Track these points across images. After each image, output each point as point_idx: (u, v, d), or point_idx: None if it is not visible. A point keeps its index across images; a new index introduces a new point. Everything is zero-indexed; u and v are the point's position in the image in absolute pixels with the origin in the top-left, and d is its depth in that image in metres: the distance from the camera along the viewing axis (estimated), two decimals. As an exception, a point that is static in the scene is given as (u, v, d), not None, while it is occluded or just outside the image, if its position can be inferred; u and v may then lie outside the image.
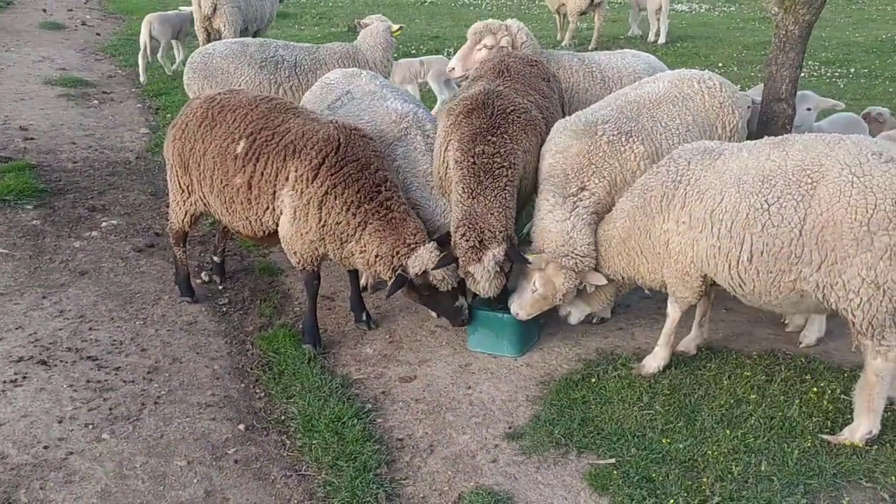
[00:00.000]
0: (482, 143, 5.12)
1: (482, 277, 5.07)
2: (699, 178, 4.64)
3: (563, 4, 15.81)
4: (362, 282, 6.06)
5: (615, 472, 4.15)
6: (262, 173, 5.23)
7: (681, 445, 4.35)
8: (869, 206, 4.05)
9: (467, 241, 5.01)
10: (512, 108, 5.34)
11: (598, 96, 6.48)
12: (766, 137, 4.73)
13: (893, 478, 4.10)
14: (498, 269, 5.06)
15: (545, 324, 5.62)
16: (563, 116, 5.75)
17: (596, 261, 5.10)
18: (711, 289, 4.90)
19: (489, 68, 5.99)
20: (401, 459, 4.40)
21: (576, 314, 5.36)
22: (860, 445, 4.32)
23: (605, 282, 5.11)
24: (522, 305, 5.13)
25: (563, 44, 15.73)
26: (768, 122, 5.99)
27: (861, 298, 4.14)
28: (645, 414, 4.64)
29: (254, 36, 14.07)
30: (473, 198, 5.05)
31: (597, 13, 15.71)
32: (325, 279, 6.34)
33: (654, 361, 5.06)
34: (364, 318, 5.79)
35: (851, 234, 4.08)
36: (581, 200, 5.16)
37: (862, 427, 4.36)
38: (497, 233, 5.00)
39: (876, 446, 4.32)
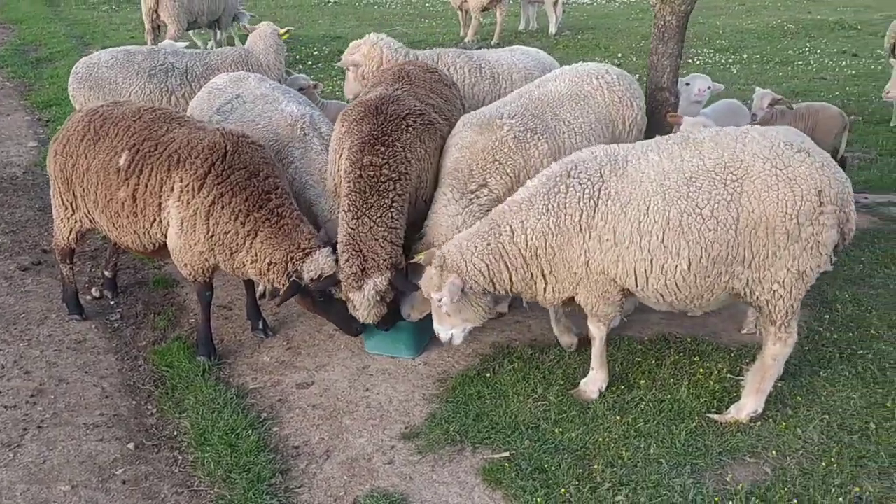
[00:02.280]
0: (370, 153, 5.00)
1: (362, 306, 4.97)
2: (618, 191, 4.36)
3: (466, 1, 15.88)
4: (259, 289, 5.97)
5: (508, 465, 4.19)
6: (147, 185, 5.10)
7: (573, 434, 4.42)
8: (797, 199, 4.14)
9: (350, 266, 4.93)
10: (406, 112, 5.25)
11: (488, 93, 6.54)
12: (663, 136, 4.65)
13: (775, 452, 4.24)
14: (378, 299, 4.97)
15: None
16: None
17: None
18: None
19: (389, 75, 5.97)
20: (296, 467, 4.35)
21: (458, 334, 4.90)
22: (745, 423, 4.46)
23: (455, 291, 4.58)
24: (414, 306, 5.12)
25: (466, 40, 15.79)
26: (653, 111, 6.11)
27: (785, 289, 4.25)
28: (539, 405, 4.70)
29: (215, 30, 13.93)
30: (358, 218, 4.94)
31: (499, 9, 15.82)
32: (222, 288, 6.26)
33: (594, 385, 4.78)
34: (261, 325, 5.71)
35: (783, 228, 4.15)
36: (478, 197, 5.16)
37: (748, 406, 4.50)
38: (381, 261, 4.92)
39: (759, 422, 4.46)
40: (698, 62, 14.28)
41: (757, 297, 4.32)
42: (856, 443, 4.29)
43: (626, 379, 4.92)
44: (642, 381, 4.86)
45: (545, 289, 4.61)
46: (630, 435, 4.39)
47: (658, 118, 6.00)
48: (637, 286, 4.40)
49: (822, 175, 4.14)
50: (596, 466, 4.15)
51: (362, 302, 4.97)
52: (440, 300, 4.67)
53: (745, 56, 14.86)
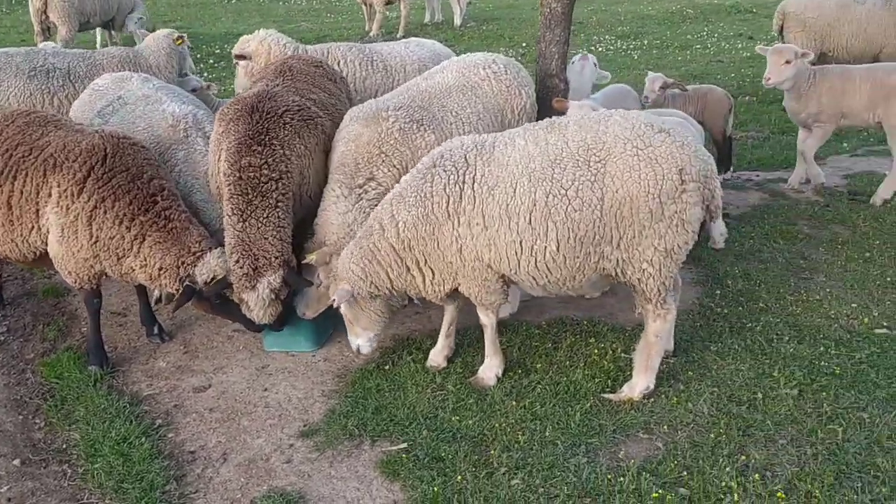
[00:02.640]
0: (248, 153, 4.89)
1: (256, 305, 4.90)
2: (484, 174, 4.41)
3: (369, -6, 15.84)
4: (155, 294, 5.82)
5: (406, 456, 4.18)
6: (22, 191, 4.91)
7: (471, 422, 4.44)
8: (658, 178, 4.21)
9: (241, 267, 4.85)
10: (284, 108, 5.15)
11: (381, 86, 6.51)
12: (531, 123, 4.73)
13: (666, 427, 4.34)
14: (273, 297, 4.91)
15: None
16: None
17: None
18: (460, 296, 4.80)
19: (272, 70, 5.86)
20: (192, 472, 4.26)
21: (363, 343, 4.90)
22: (638, 400, 4.55)
23: (343, 297, 4.64)
24: (308, 304, 5.06)
25: (371, 34, 15.73)
26: (543, 98, 6.17)
27: (654, 267, 4.32)
28: (438, 395, 4.71)
29: (111, 30, 13.47)
30: (244, 220, 4.85)
31: (402, 2, 15.81)
32: (117, 294, 6.11)
33: (491, 372, 4.82)
34: (156, 331, 5.57)
35: (647, 207, 4.22)
36: (366, 192, 5.12)
37: (640, 383, 4.59)
38: (273, 259, 4.86)
39: (652, 399, 4.56)
40: (600, 49, 14.53)
41: (629, 277, 4.39)
42: (744, 413, 4.41)
43: (524, 364, 4.96)
44: (539, 365, 4.91)
45: (425, 282, 4.61)
46: (527, 419, 4.43)
47: (549, 105, 6.06)
48: (510, 270, 4.42)
49: (682, 154, 4.23)
50: (493, 452, 4.18)
51: (257, 302, 4.90)
52: (336, 307, 4.69)
53: (645, 42, 15.18)
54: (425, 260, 4.54)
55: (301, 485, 4.11)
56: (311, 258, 4.83)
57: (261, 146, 4.93)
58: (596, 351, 4.99)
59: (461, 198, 4.40)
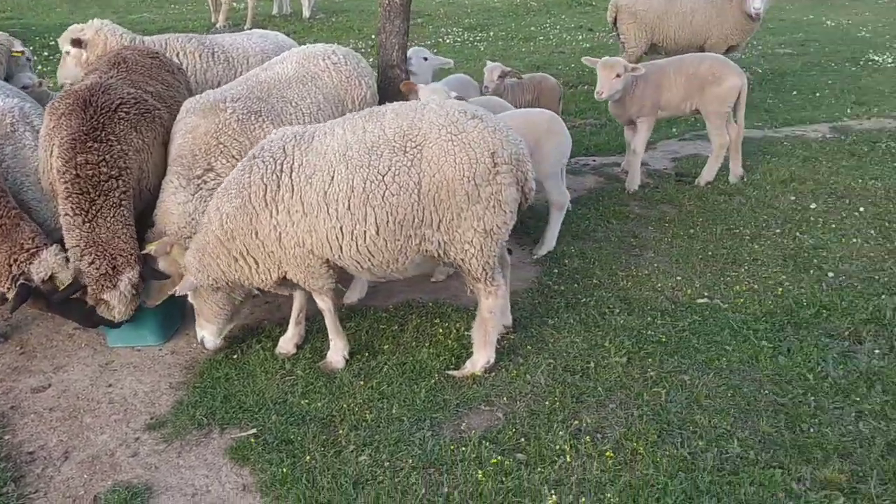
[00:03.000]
0: (83, 150, 4.79)
1: (119, 302, 4.85)
2: (302, 164, 4.52)
3: (213, -14, 15.54)
4: None
5: (255, 441, 4.24)
6: None
7: (319, 404, 4.53)
8: (472, 161, 4.40)
9: (98, 269, 4.78)
10: (119, 102, 5.05)
11: (223, 78, 6.47)
12: (353, 112, 4.84)
13: (506, 398, 4.56)
14: (134, 293, 4.88)
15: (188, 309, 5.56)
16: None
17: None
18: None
19: (105, 61, 5.73)
20: (31, 473, 4.16)
21: (208, 336, 4.97)
22: (480, 375, 4.76)
23: (186, 288, 4.77)
24: (150, 293, 5.01)
25: (218, 25, 15.47)
26: (385, 88, 6.31)
27: (475, 248, 4.51)
28: (287, 380, 4.78)
29: None
30: (92, 220, 4.77)
31: (249, -8, 15.61)
32: (-54, 297, 5.81)
33: (337, 355, 4.94)
34: None
35: (463, 190, 4.41)
36: (206, 182, 5.11)
37: (481, 359, 4.80)
38: (129, 256, 4.83)
39: (493, 373, 4.78)
40: (448, 40, 14.80)
41: (453, 258, 4.60)
42: (577, 381, 4.70)
43: (372, 346, 5.10)
44: (386, 347, 5.05)
45: (251, 272, 4.68)
46: (374, 398, 4.57)
47: (391, 94, 6.20)
48: (333, 254, 4.54)
49: (494, 138, 4.46)
50: (341, 431, 4.29)
51: (120, 300, 4.85)
52: (178, 296, 4.77)
53: (491, 33, 15.57)
54: (247, 250, 4.61)
55: (148, 477, 4.09)
56: (150, 248, 4.79)
57: (97, 142, 4.83)
58: (441, 331, 5.18)
59: (279, 187, 4.48)
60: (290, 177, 4.49)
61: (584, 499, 3.79)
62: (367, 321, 5.38)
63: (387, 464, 4.05)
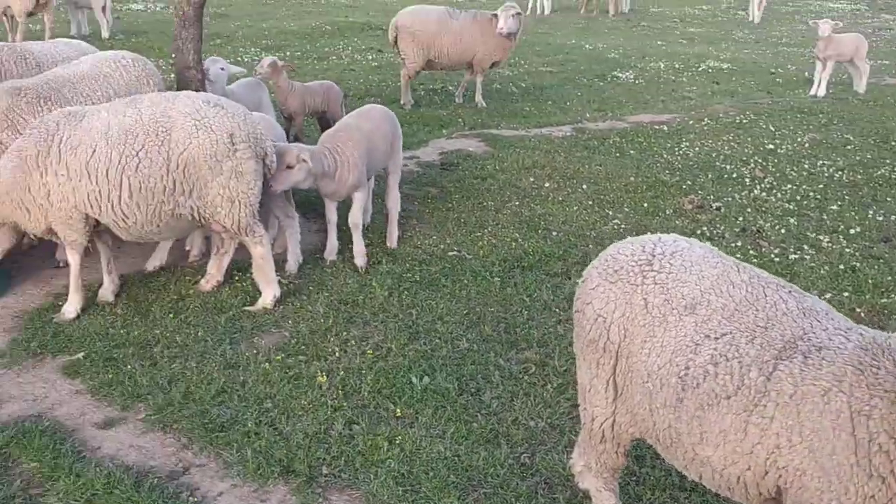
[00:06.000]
0: None
1: None
2: (70, 136, 5.50)
3: (9, 7, 15.73)
4: None
5: (84, 360, 5.23)
6: None
7: (136, 333, 5.57)
8: (212, 142, 5.57)
9: None
10: None
11: (33, 78, 7.28)
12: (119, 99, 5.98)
13: (291, 322, 5.79)
14: None
15: (14, 272, 6.40)
16: None
17: None
18: (105, 237, 5.96)
19: None
20: None
21: None
22: (270, 307, 5.95)
23: None
24: None
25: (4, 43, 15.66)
26: (184, 86, 7.38)
27: (225, 209, 5.70)
28: (108, 318, 5.78)
29: None
30: None
31: (46, 13, 15.92)
32: None
33: (71, 307, 5.79)
34: None
35: (206, 165, 5.58)
36: None
37: (268, 295, 5.99)
38: None
39: (281, 306, 5.99)
40: (246, 59, 15.79)
41: (209, 220, 5.79)
42: (349, 309, 5.98)
43: (180, 292, 6.18)
44: (191, 292, 6.17)
45: (26, 219, 5.68)
46: (182, 327, 5.66)
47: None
48: (93, 212, 5.59)
49: (233, 122, 5.68)
50: (156, 350, 5.36)
51: None
52: None
53: (287, 53, 16.70)
54: (22, 201, 5.61)
55: (-8, 392, 4.99)
56: None
57: None
58: (237, 276, 6.34)
59: (48, 153, 5.50)
60: (59, 147, 5.50)
61: (349, 378, 5.08)
62: (174, 276, 6.44)
63: (195, 367, 5.17)
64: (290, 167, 6.05)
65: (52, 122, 5.59)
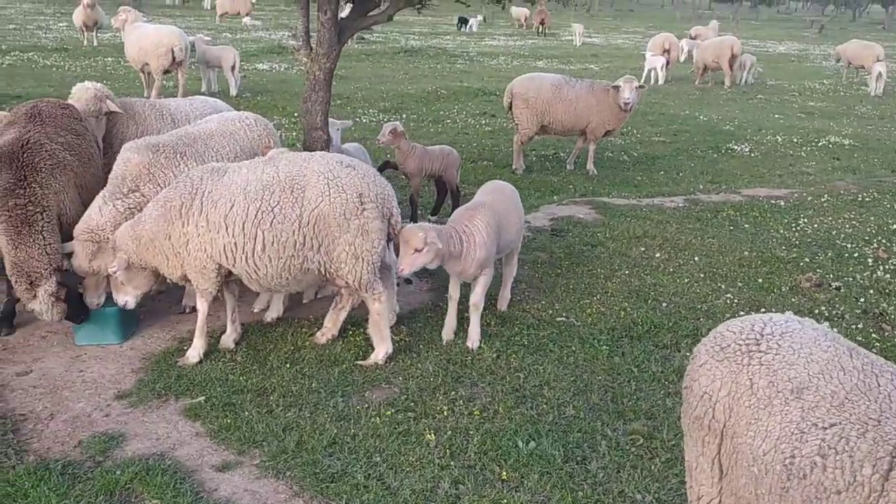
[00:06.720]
0: (13, 197, 5.97)
1: (41, 310, 6.06)
2: (212, 190, 5.80)
3: (147, 64, 16.82)
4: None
5: (204, 403, 5.47)
6: None
7: (254, 380, 5.79)
8: (343, 200, 5.80)
9: (20, 285, 6.01)
10: (39, 157, 6.20)
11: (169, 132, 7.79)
12: (258, 157, 6.32)
13: (401, 378, 5.91)
14: (53, 300, 6.04)
15: (143, 316, 6.77)
16: (100, 151, 7.12)
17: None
18: (233, 287, 6.26)
19: (23, 113, 6.70)
20: (25, 427, 5.26)
21: (130, 301, 6.19)
22: (382, 363, 6.10)
23: (120, 269, 5.94)
24: (89, 292, 6.35)
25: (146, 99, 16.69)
26: (311, 146, 7.75)
27: (348, 266, 5.89)
28: (228, 364, 6.03)
29: None
30: (16, 247, 5.95)
31: (180, 71, 16.96)
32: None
33: (195, 351, 6.07)
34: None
35: (336, 223, 5.80)
36: (127, 198, 6.32)
37: (381, 351, 6.14)
38: (43, 271, 5.99)
39: (392, 362, 6.13)
40: (365, 120, 16.39)
41: (334, 275, 5.97)
42: (457, 369, 6.07)
43: (296, 343, 6.40)
44: (307, 343, 6.37)
45: (164, 264, 5.99)
46: (298, 377, 5.86)
47: (314, 150, 7.63)
48: (228, 263, 5.85)
49: (363, 182, 5.89)
50: (272, 398, 5.56)
51: (41, 306, 6.05)
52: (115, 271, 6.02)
53: (404, 115, 17.24)
54: (162, 248, 5.93)
55: (120, 429, 5.25)
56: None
57: (24, 189, 6.02)
58: (351, 331, 6.52)
59: (191, 205, 5.81)
60: (201, 200, 5.82)
61: (456, 437, 5.15)
62: (291, 327, 6.68)
63: (308, 417, 5.34)
64: (417, 250, 5.91)
65: (197, 176, 5.94)
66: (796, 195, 12.00)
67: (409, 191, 9.52)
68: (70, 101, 7.30)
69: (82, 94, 7.44)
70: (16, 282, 5.99)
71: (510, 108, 12.85)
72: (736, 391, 3.31)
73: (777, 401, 3.17)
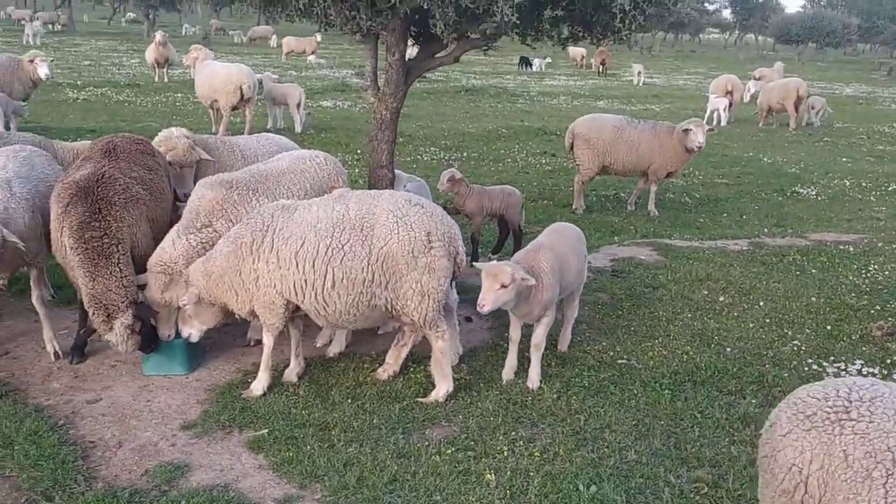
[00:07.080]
0: (89, 229, 6.15)
1: (117, 341, 6.22)
2: (283, 227, 5.90)
3: (216, 101, 17.29)
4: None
5: (267, 436, 5.54)
6: None
7: (317, 415, 5.85)
8: (411, 238, 5.86)
9: (97, 317, 6.18)
10: (113, 191, 6.37)
11: (239, 168, 7.98)
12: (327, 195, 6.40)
13: (461, 417, 5.91)
14: (129, 332, 6.21)
15: (209, 348, 6.90)
16: (170, 185, 7.31)
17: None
18: (298, 322, 6.35)
19: (98, 149, 6.91)
20: (94, 455, 5.39)
21: (195, 334, 6.32)
22: (442, 401, 6.11)
23: (191, 302, 6.10)
24: (161, 324, 6.51)
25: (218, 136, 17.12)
26: (376, 184, 7.86)
27: (414, 303, 5.93)
28: (291, 398, 6.10)
29: None
30: (94, 279, 6.11)
31: (247, 108, 17.38)
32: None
33: (259, 384, 6.16)
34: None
35: (404, 261, 5.86)
36: (200, 233, 6.47)
37: (442, 389, 6.16)
38: (120, 303, 6.15)
39: (452, 401, 6.14)
40: (426, 158, 16.56)
41: (400, 312, 6.01)
42: (517, 409, 6.05)
43: (357, 378, 6.45)
44: (369, 379, 6.42)
45: (233, 300, 6.09)
46: (359, 413, 5.90)
47: (380, 188, 7.74)
48: (297, 299, 5.92)
49: (431, 221, 5.94)
50: (334, 433, 5.60)
51: (117, 338, 6.20)
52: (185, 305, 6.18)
53: (465, 154, 17.38)
54: (232, 284, 6.03)
55: (185, 459, 5.35)
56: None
57: (99, 222, 6.20)
58: (412, 368, 6.55)
59: (262, 242, 5.91)
60: (272, 236, 5.92)
61: (516, 478, 5.12)
62: (353, 363, 6.74)
63: (369, 453, 5.37)
64: (504, 286, 5.77)
65: (268, 213, 6.05)
66: (866, 241, 11.74)
67: (470, 229, 9.59)
68: (166, 151, 7.62)
69: (177, 143, 7.71)
70: (93, 314, 6.16)
71: (571, 148, 12.88)
72: (830, 464, 3.20)
73: (877, 473, 3.06)
